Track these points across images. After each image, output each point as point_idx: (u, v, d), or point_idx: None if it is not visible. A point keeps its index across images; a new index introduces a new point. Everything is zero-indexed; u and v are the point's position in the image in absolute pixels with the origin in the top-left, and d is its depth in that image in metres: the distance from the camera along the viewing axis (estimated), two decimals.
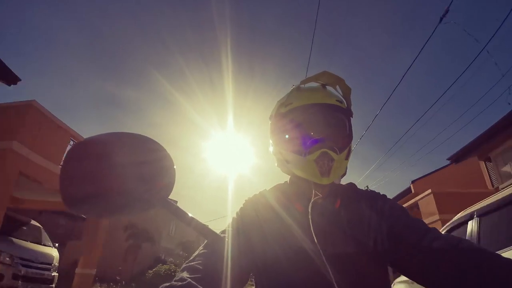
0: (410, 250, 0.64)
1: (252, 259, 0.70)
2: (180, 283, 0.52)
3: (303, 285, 0.64)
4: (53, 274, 7.22)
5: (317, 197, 0.73)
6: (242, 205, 0.83)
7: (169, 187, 0.50)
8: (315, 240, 0.66)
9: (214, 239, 0.59)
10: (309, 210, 0.70)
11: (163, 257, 17.06)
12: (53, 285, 7.22)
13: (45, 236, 7.98)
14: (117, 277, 13.14)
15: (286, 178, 0.85)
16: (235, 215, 0.80)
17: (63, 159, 0.43)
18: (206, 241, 0.67)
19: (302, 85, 0.81)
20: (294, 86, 0.82)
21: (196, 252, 0.67)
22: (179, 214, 0.52)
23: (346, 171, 0.77)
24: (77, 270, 9.03)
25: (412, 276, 0.65)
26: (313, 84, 0.81)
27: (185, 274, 0.57)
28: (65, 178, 0.42)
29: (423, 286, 0.64)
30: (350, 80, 0.78)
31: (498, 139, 8.30)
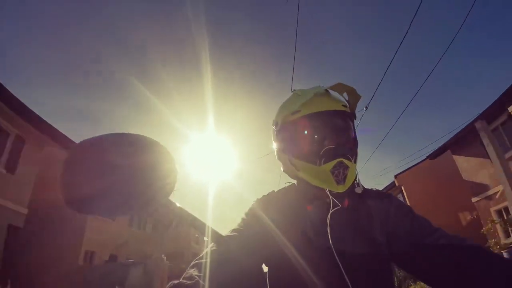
0: (415, 248, 0.66)
1: (261, 259, 0.70)
2: (189, 282, 0.53)
3: (316, 285, 0.64)
4: None
5: (337, 207, 0.71)
6: (251, 205, 0.82)
7: (171, 186, 0.51)
8: (330, 242, 0.66)
9: (220, 239, 0.59)
10: (328, 221, 0.70)
11: None
12: None
13: None
14: None
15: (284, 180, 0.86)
16: (244, 215, 0.79)
17: (64, 158, 0.44)
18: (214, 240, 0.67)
19: (303, 90, 0.78)
20: (295, 91, 0.80)
21: (206, 250, 0.66)
22: (181, 214, 0.52)
23: (357, 174, 0.76)
24: None
25: (417, 275, 0.67)
26: (316, 88, 0.76)
27: (194, 272, 0.57)
28: (66, 177, 0.43)
29: (427, 284, 0.66)
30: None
31: None
